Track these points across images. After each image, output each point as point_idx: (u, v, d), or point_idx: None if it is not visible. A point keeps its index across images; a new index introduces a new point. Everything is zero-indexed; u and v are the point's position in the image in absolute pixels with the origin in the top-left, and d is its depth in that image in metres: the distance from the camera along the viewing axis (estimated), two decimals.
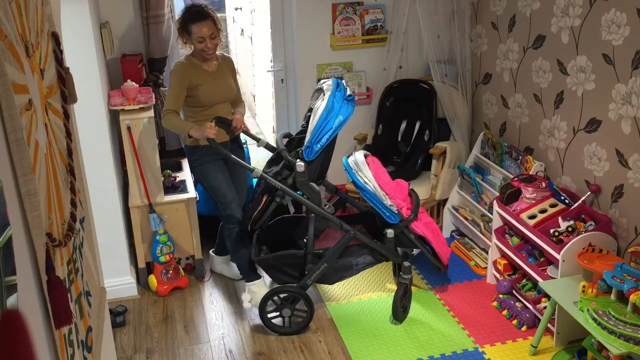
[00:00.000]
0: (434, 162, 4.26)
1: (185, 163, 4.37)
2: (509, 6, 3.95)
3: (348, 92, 3.30)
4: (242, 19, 7.70)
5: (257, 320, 3.64)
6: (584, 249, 3.07)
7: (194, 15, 3.37)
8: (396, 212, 3.35)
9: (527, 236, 3.41)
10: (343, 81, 3.44)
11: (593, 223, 3.22)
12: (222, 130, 3.55)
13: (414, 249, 3.55)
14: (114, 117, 3.84)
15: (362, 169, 3.37)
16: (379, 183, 3.35)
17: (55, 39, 1.71)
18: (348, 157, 3.47)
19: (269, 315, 3.47)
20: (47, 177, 1.40)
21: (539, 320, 3.29)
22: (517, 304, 3.52)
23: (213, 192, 3.60)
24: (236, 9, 8.03)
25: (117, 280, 3.80)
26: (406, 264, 3.48)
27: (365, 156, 3.47)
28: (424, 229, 3.44)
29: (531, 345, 3.24)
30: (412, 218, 3.38)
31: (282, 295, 3.44)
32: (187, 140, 3.53)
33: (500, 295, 3.62)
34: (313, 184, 3.34)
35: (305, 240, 3.44)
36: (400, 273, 3.52)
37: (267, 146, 3.67)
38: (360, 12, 4.42)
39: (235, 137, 3.72)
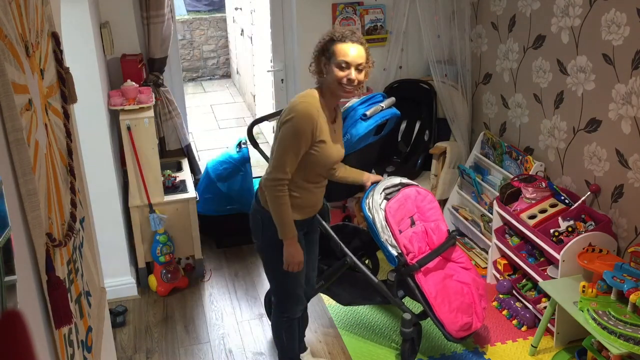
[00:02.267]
0: (434, 162, 4.26)
1: (185, 163, 4.38)
2: (509, 6, 3.95)
3: (369, 111, 3.10)
4: (242, 19, 7.70)
5: (257, 320, 3.65)
6: (584, 249, 3.07)
7: (343, 34, 2.56)
8: (395, 254, 2.96)
9: (527, 236, 3.41)
10: (383, 101, 3.18)
11: (593, 223, 3.22)
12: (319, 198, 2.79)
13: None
14: (114, 117, 3.84)
15: (376, 209, 2.99)
16: (390, 219, 2.96)
17: (55, 39, 1.70)
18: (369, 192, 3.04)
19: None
20: (47, 177, 1.40)
21: (539, 320, 3.29)
22: (517, 304, 3.52)
23: (283, 276, 2.76)
24: (236, 9, 8.03)
25: (117, 280, 3.80)
26: (406, 316, 3.07)
27: (405, 185, 3.12)
28: (432, 286, 2.99)
29: (531, 345, 3.24)
30: (414, 267, 2.96)
31: None
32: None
33: (500, 295, 3.62)
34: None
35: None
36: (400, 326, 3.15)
37: None
38: (360, 12, 4.42)
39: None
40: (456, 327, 2.96)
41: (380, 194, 3.03)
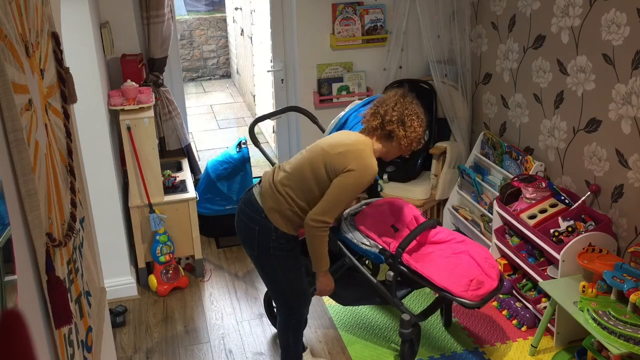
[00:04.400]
0: (434, 162, 4.26)
1: (185, 163, 4.38)
2: (509, 6, 3.95)
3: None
4: (242, 19, 7.70)
5: (257, 320, 3.65)
6: (584, 249, 3.07)
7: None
8: (377, 251, 2.99)
9: (527, 236, 3.41)
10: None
11: (593, 223, 3.22)
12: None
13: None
14: (114, 117, 3.84)
15: (350, 229, 3.11)
16: (366, 231, 3.05)
17: (55, 39, 1.70)
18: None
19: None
20: (47, 177, 1.40)
21: (539, 320, 3.29)
22: (517, 304, 3.52)
23: (288, 285, 2.84)
24: (236, 9, 8.03)
25: (117, 280, 3.80)
26: (405, 317, 3.04)
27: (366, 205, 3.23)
28: (425, 263, 3.01)
29: (531, 345, 3.24)
30: (398, 253, 2.96)
31: None
32: (286, 228, 2.70)
33: (500, 295, 3.62)
34: None
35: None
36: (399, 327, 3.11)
37: None
38: (360, 12, 4.42)
39: None
40: (462, 286, 2.86)
41: (346, 218, 3.16)
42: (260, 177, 2.86)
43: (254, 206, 2.72)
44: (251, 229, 2.73)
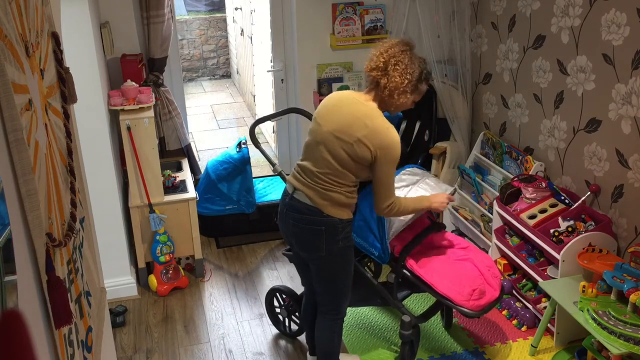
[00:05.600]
0: (434, 162, 4.26)
1: (185, 163, 4.38)
2: (509, 6, 3.95)
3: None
4: (242, 19, 7.70)
5: (257, 320, 3.65)
6: (584, 249, 3.07)
7: (430, 73, 2.80)
8: (380, 251, 2.94)
9: (527, 236, 3.41)
10: None
11: (593, 223, 3.22)
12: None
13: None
14: (114, 117, 3.84)
15: None
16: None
17: (55, 39, 1.70)
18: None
19: (277, 311, 3.51)
20: (47, 177, 1.40)
21: (539, 320, 3.29)
22: (517, 304, 3.52)
23: (346, 280, 2.82)
24: (236, 9, 8.03)
25: (117, 280, 3.80)
26: (405, 318, 3.02)
27: None
28: (427, 268, 2.99)
29: (531, 345, 3.24)
30: (402, 256, 2.96)
31: (284, 296, 3.45)
32: (346, 214, 2.70)
33: None
34: None
35: None
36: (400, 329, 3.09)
37: (281, 175, 3.28)
38: (360, 12, 4.42)
39: None
40: (464, 296, 2.85)
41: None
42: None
43: (309, 209, 2.66)
44: (317, 231, 2.68)
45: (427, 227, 3.13)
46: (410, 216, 2.93)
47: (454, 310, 3.45)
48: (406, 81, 2.60)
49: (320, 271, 2.81)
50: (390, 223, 2.94)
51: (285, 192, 2.79)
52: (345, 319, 3.43)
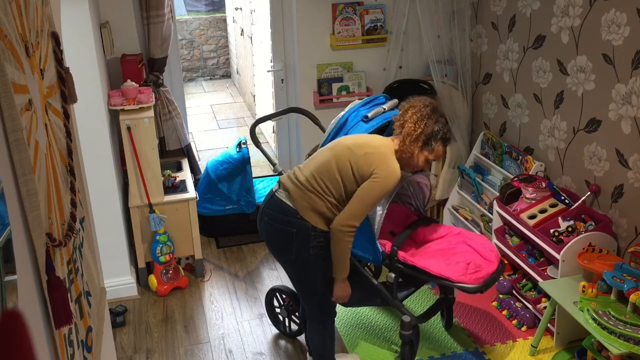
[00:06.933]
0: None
1: (185, 163, 4.38)
2: (509, 6, 3.95)
3: (370, 113, 3.06)
4: (242, 19, 7.70)
5: (257, 320, 3.65)
6: (584, 249, 3.07)
7: (448, 138, 2.79)
8: (375, 253, 2.95)
9: (527, 236, 3.41)
10: (385, 103, 3.15)
11: (593, 223, 3.22)
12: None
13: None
14: (114, 117, 3.84)
15: None
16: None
17: (55, 39, 1.70)
18: None
19: (276, 311, 3.51)
20: (47, 177, 1.40)
21: (539, 320, 3.29)
22: (517, 304, 3.52)
23: (325, 286, 2.83)
24: (236, 9, 8.03)
25: (117, 280, 3.80)
26: (405, 318, 3.01)
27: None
28: (421, 257, 3.00)
29: (531, 345, 3.24)
30: (393, 251, 2.96)
31: (284, 296, 3.45)
32: (323, 225, 2.69)
33: (500, 295, 3.62)
34: None
35: None
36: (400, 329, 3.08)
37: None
38: (360, 12, 4.42)
39: None
40: (459, 271, 2.85)
41: None
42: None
43: (286, 210, 2.69)
44: (288, 233, 2.70)
45: (413, 221, 3.17)
46: (381, 208, 2.97)
47: (453, 306, 3.47)
48: (419, 130, 2.67)
49: (294, 274, 2.85)
50: (371, 222, 2.96)
51: (270, 190, 2.85)
52: (345, 319, 3.44)
